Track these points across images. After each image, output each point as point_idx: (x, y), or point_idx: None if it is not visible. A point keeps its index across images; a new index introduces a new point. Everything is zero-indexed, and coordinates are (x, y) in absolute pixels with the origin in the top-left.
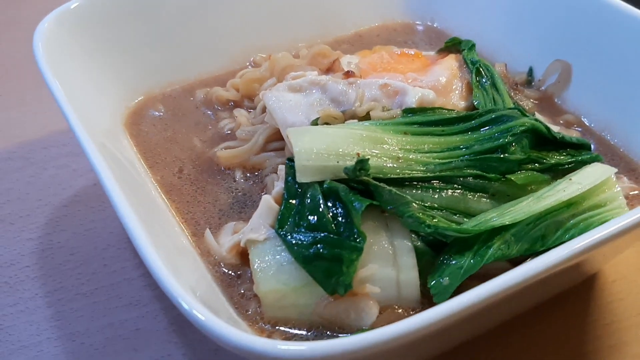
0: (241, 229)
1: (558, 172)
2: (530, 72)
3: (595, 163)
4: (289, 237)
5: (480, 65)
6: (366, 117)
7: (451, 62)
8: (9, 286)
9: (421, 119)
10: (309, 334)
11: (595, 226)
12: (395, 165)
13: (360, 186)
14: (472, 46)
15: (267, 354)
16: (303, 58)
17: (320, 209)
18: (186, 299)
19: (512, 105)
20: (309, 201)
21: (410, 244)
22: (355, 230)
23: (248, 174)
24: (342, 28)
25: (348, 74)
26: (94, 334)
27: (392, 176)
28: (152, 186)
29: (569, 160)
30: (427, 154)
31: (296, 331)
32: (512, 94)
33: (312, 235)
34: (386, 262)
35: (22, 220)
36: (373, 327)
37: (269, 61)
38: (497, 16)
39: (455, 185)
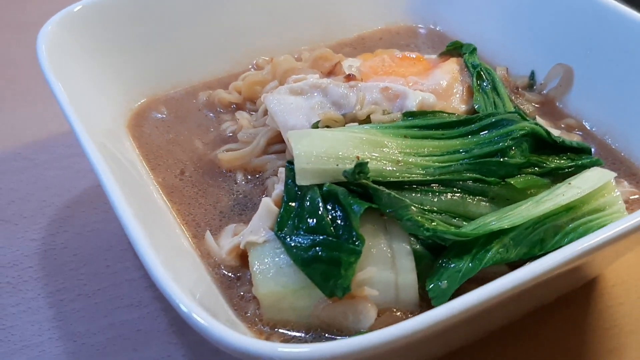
0: (241, 231)
1: (558, 176)
2: (532, 75)
3: (595, 167)
4: (288, 239)
5: (481, 69)
6: (367, 120)
7: (452, 65)
8: (12, 286)
9: (421, 123)
10: (307, 336)
11: (594, 230)
12: (394, 169)
13: (359, 189)
14: (473, 50)
15: (265, 356)
16: (305, 61)
17: (320, 212)
18: (185, 302)
19: (512, 109)
20: (308, 204)
21: (408, 247)
22: (354, 233)
23: (249, 176)
24: (345, 31)
25: (349, 77)
26: (95, 334)
27: (391, 179)
28: (153, 188)
29: (569, 164)
30: (427, 158)
31: (295, 333)
32: (513, 97)
33: (311, 237)
34: (385, 265)
35: (25, 221)
36: (371, 329)
37: (271, 64)
38: (500, 20)
39: (454, 189)
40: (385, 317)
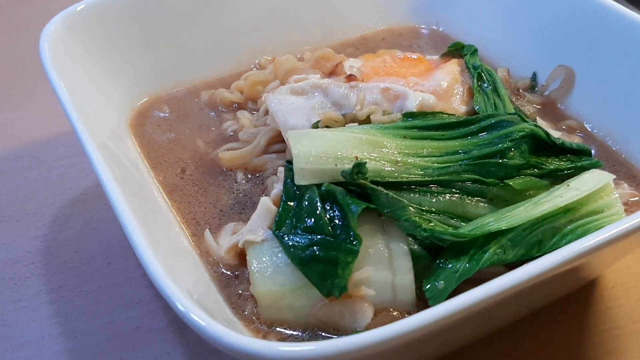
0: (240, 229)
1: (557, 178)
2: (534, 77)
3: (594, 169)
4: (286, 238)
5: (482, 70)
6: (367, 120)
7: (453, 66)
8: (14, 282)
9: (421, 123)
10: (304, 335)
11: (592, 232)
12: (393, 169)
13: (357, 189)
14: (474, 51)
15: (264, 356)
16: (307, 61)
17: (318, 212)
18: (182, 301)
19: (513, 111)
20: (306, 203)
21: (406, 247)
22: (352, 233)
23: (249, 176)
24: (348, 31)
25: (350, 78)
26: (95, 331)
27: (390, 180)
28: (154, 186)
29: (569, 166)
30: (426, 158)
31: (292, 332)
32: (514, 99)
33: (308, 237)
34: (382, 265)
35: (28, 218)
36: (367, 329)
37: (273, 64)
38: (502, 21)
39: (453, 190)
40: (382, 317)
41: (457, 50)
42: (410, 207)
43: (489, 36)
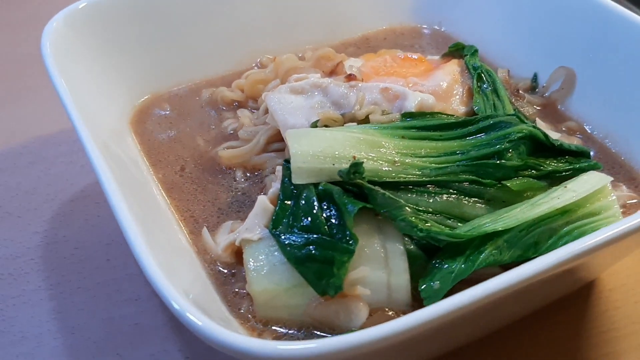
0: (238, 228)
1: (555, 180)
2: (535, 78)
3: (592, 171)
4: (283, 237)
5: (482, 70)
6: (366, 120)
7: (453, 67)
8: (13, 278)
9: (419, 124)
10: (300, 333)
11: (589, 234)
12: (391, 169)
13: (355, 189)
14: (474, 52)
15: (258, 355)
16: (308, 60)
17: (314, 211)
18: (178, 300)
19: (512, 112)
20: (303, 202)
21: (402, 247)
22: (348, 232)
23: (248, 174)
24: (350, 31)
25: (350, 77)
26: (93, 328)
27: (387, 180)
28: (153, 184)
29: (567, 167)
30: (424, 159)
31: (287, 331)
32: (514, 100)
33: (305, 236)
34: (378, 264)
35: (29, 214)
36: (362, 329)
37: (274, 63)
38: (504, 22)
39: (450, 190)
40: (377, 316)
41: (457, 51)
42: (407, 207)
43: (491, 37)
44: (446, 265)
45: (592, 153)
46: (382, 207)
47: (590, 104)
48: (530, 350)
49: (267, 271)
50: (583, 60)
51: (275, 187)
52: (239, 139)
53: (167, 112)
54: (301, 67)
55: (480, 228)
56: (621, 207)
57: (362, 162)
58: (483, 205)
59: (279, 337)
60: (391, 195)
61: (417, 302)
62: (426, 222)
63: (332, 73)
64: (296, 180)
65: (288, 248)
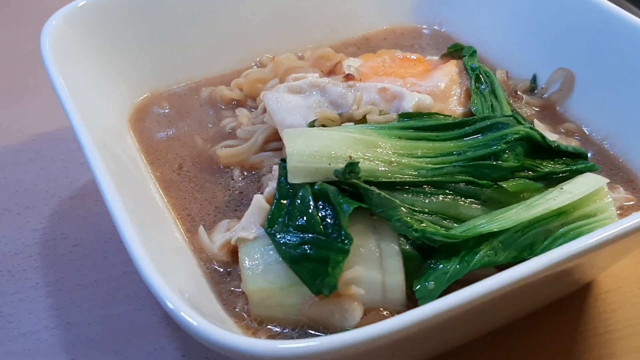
0: (234, 226)
1: (552, 181)
2: (534, 79)
3: (588, 173)
4: (278, 236)
5: (480, 71)
6: (363, 120)
7: (451, 68)
8: (11, 274)
9: (416, 124)
10: (294, 332)
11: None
12: (387, 169)
13: (350, 189)
14: (473, 52)
15: (251, 353)
16: (307, 60)
17: (310, 210)
18: (172, 299)
19: (510, 113)
20: (299, 202)
21: (397, 247)
22: (343, 232)
23: (246, 173)
24: (350, 31)
25: (348, 77)
26: (90, 325)
27: (383, 180)
28: (151, 182)
29: (564, 169)
30: (420, 159)
31: (281, 330)
32: (512, 101)
33: (300, 235)
34: (372, 264)
35: (28, 211)
36: (357, 328)
37: (273, 62)
38: (504, 23)
39: (446, 191)
40: (372, 316)
41: (456, 52)
42: (402, 208)
43: (491, 37)
44: (441, 266)
45: (590, 155)
46: (377, 207)
47: (589, 106)
48: (528, 351)
49: (262, 270)
50: (582, 62)
51: (271, 186)
52: (237, 138)
53: (167, 111)
54: (300, 66)
55: (475, 229)
56: (618, 209)
57: (358, 162)
58: (479, 206)
59: (273, 335)
60: (387, 196)
61: (412, 302)
62: (421, 222)
63: (330, 73)
64: (292, 179)
65: (283, 247)
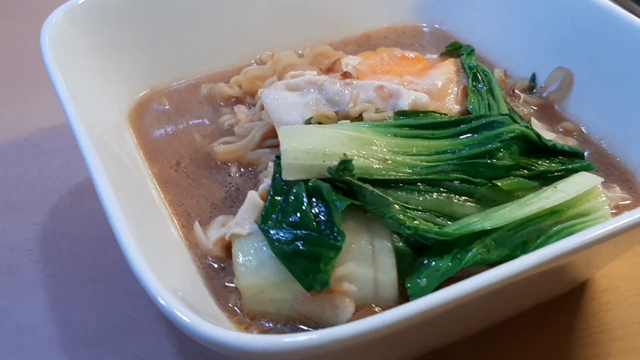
0: (229, 222)
1: (547, 180)
2: (533, 78)
3: (583, 172)
4: (271, 233)
5: (477, 70)
6: (359, 118)
7: (449, 66)
8: (10, 269)
9: (412, 122)
10: (286, 328)
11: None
12: (381, 167)
13: (344, 186)
14: (471, 51)
15: (244, 350)
16: (305, 58)
17: (303, 207)
18: (164, 296)
19: (507, 111)
20: (292, 198)
21: (390, 244)
22: (336, 229)
23: (243, 170)
24: (351, 29)
25: (345, 75)
26: (88, 320)
27: (378, 177)
28: (148, 178)
29: (559, 168)
30: (415, 157)
31: (273, 325)
32: (509, 100)
33: (293, 232)
34: (365, 261)
35: (29, 206)
36: None
37: (272, 59)
38: (505, 22)
39: (441, 189)
40: (364, 312)
41: (455, 50)
42: (395, 205)
43: (491, 36)
44: (433, 263)
45: (587, 154)
46: (370, 204)
47: (587, 105)
48: (524, 349)
49: (255, 266)
50: (582, 62)
51: (266, 182)
52: (235, 134)
53: (166, 107)
54: (298, 64)
55: (468, 226)
56: (614, 208)
57: (352, 160)
58: (473, 204)
59: (265, 331)
60: (380, 193)
61: (405, 299)
62: (414, 219)
63: (329, 70)
64: (286, 176)
65: (276, 243)
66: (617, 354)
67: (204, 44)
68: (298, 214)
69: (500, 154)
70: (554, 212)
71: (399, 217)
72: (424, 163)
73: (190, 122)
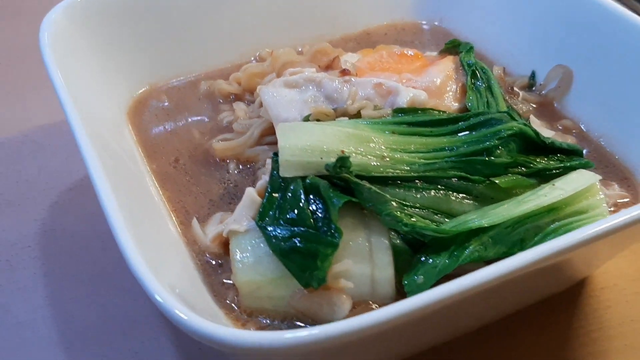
0: (227, 219)
1: (545, 177)
2: (533, 76)
3: (581, 169)
4: (269, 229)
5: (476, 67)
6: (358, 115)
7: (448, 64)
8: (10, 264)
9: (410, 119)
10: (283, 324)
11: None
12: (379, 164)
13: (342, 183)
14: (470, 49)
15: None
16: (304, 55)
17: (301, 204)
18: (161, 293)
19: (505, 109)
20: (290, 195)
21: (387, 241)
22: (333, 225)
23: (241, 166)
24: (351, 26)
25: (344, 72)
26: (86, 315)
27: (375, 174)
28: (147, 175)
29: (557, 165)
30: (413, 154)
31: (270, 321)
32: (508, 97)
33: (290, 229)
34: (362, 258)
35: (29, 202)
36: None
37: (271, 56)
38: (505, 19)
39: (438, 186)
40: (361, 309)
41: (454, 48)
42: (393, 202)
43: (492, 34)
44: (430, 260)
45: (586, 152)
46: (367, 201)
47: (586, 103)
48: (521, 347)
49: (253, 262)
50: (581, 60)
51: (264, 179)
52: (234, 131)
53: (165, 104)
54: (297, 61)
55: (465, 224)
56: (612, 205)
57: (349, 157)
58: (471, 202)
59: (262, 327)
60: (377, 190)
61: (402, 296)
62: (411, 217)
63: (328, 68)
64: (284, 173)
65: (273, 240)
66: (615, 351)
67: (203, 41)
68: (295, 211)
69: (498, 152)
70: (551, 210)
71: (397, 214)
72: (422, 160)
73: (189, 119)
